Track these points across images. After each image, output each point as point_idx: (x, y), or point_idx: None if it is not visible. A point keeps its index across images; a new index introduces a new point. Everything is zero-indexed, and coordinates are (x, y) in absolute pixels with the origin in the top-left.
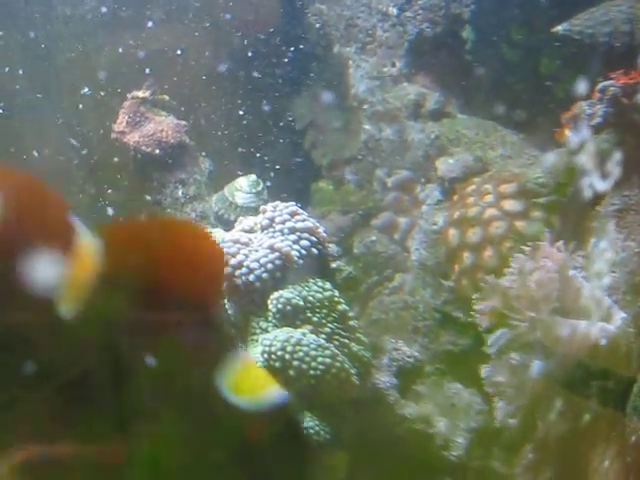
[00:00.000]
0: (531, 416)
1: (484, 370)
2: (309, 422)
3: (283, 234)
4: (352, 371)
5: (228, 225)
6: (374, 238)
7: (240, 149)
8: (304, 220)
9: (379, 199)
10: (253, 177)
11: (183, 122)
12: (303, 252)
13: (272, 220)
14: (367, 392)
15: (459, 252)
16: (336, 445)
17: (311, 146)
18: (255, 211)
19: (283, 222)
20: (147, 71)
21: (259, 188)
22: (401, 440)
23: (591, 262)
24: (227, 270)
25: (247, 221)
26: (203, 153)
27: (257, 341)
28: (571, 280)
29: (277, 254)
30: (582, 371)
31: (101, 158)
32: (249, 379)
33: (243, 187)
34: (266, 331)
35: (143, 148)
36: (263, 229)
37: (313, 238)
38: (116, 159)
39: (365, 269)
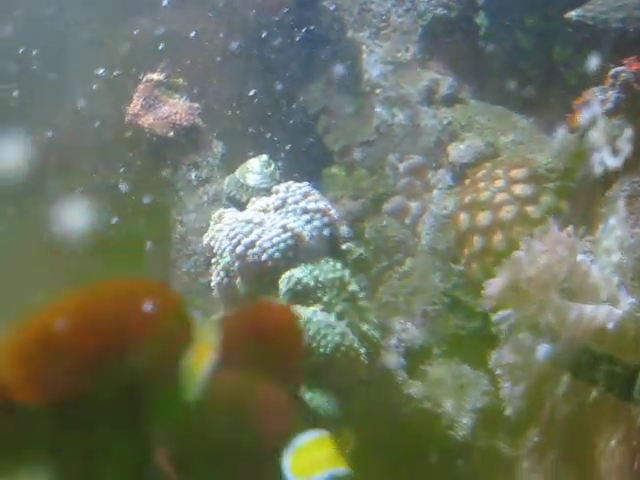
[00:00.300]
0: (537, 398)
1: (492, 352)
2: (318, 399)
3: (295, 214)
4: (361, 350)
5: (240, 206)
6: (385, 223)
7: (252, 132)
8: (316, 201)
9: (391, 184)
10: (264, 158)
11: (196, 105)
12: (315, 233)
13: (285, 200)
14: (376, 371)
15: (469, 236)
16: (343, 422)
17: (324, 131)
18: (267, 192)
19: (296, 202)
20: (161, 53)
21: (270, 169)
22: (408, 419)
23: (600, 240)
24: (240, 250)
25: (260, 201)
26: (215, 135)
27: None
28: (579, 264)
29: (289, 234)
30: (589, 355)
31: (115, 139)
32: (313, 458)
33: (254, 168)
34: None
35: (157, 130)
36: (276, 209)
37: (325, 219)
38: (130, 141)
39: (375, 253)
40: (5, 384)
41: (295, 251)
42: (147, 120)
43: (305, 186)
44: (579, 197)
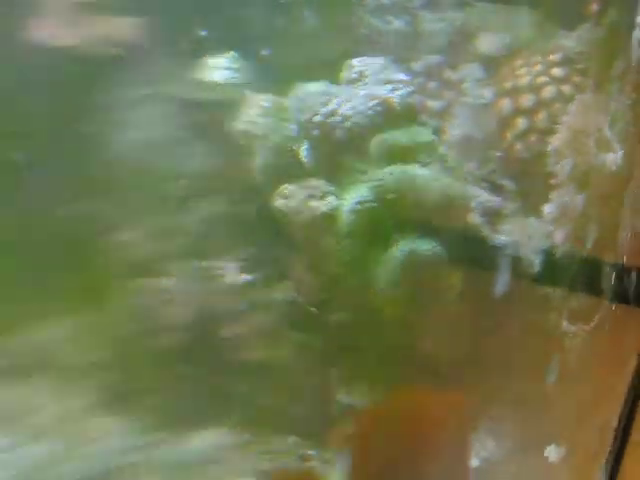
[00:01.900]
0: (576, 241)
1: (546, 207)
2: (427, 244)
3: (378, 84)
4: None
5: (203, 108)
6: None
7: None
8: (396, 73)
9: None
10: (232, 53)
11: (138, 20)
12: (402, 100)
13: (362, 73)
14: (468, 225)
15: (512, 119)
16: (452, 264)
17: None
18: (241, 88)
19: (376, 74)
20: None
21: (239, 65)
22: (496, 263)
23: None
24: (318, 119)
25: (311, 85)
26: (159, 50)
27: (358, 182)
28: (601, 125)
29: (376, 101)
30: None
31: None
32: None
33: (221, 64)
34: (366, 173)
35: (92, 50)
36: (352, 82)
37: (409, 88)
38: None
39: None
40: None
41: (383, 118)
42: (75, 40)
43: (380, 59)
44: (600, 75)
